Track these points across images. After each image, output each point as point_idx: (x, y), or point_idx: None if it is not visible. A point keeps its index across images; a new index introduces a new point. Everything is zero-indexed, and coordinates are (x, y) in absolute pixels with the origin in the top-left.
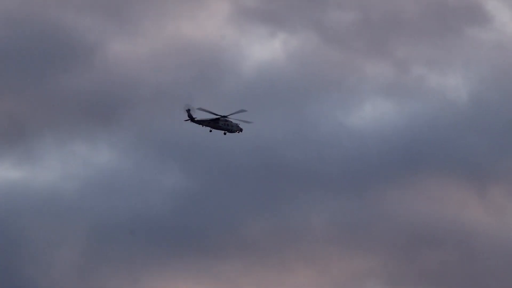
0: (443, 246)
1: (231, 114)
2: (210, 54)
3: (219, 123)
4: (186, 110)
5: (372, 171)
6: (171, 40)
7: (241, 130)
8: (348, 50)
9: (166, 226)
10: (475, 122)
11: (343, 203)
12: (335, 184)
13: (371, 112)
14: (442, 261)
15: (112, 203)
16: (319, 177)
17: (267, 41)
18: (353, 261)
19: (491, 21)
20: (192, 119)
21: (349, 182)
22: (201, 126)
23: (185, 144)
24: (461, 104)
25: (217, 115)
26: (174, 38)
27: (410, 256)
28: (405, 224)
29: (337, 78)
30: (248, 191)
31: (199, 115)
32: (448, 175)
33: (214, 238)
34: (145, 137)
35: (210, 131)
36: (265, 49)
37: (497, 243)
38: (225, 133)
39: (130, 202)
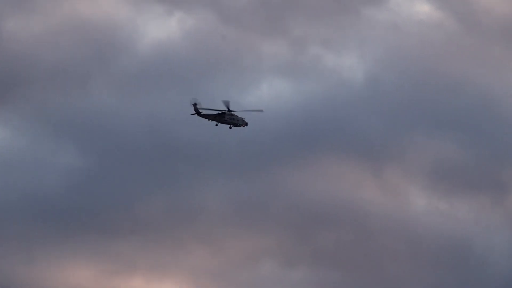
0: (339, 226)
1: (242, 111)
2: (106, 32)
3: (225, 117)
4: (193, 104)
5: (268, 150)
6: (67, 18)
7: (246, 124)
8: (244, 29)
9: (60, 205)
10: (371, 102)
11: (239, 182)
12: (231, 164)
13: (268, 91)
14: (338, 240)
15: (5, 181)
16: (215, 157)
17: (163, 20)
18: (248, 241)
19: (387, 1)
20: (198, 113)
21: (245, 161)
22: (207, 120)
23: (80, 123)
24: (357, 84)
25: (221, 110)
26: (70, 16)
27: (305, 236)
28: (301, 203)
29: (233, 57)
30: (144, 170)
31: (205, 110)
32: (344, 154)
33: (109, 217)
34: (41, 115)
35: (216, 125)
36: (161, 28)
37: (391, 223)
38: (230, 127)
39: (24, 181)
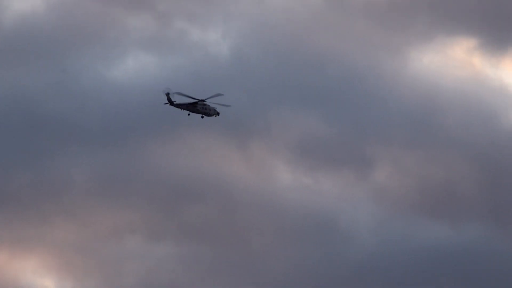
0: (205, 200)
1: (208, 98)
2: None
3: (197, 107)
4: (166, 94)
5: (134, 124)
6: None
7: (218, 114)
8: (109, 3)
9: None
10: (236, 77)
11: (105, 156)
12: (96, 137)
13: (133, 65)
14: (204, 215)
15: None
16: (80, 130)
17: None
18: (114, 215)
19: None
20: (171, 102)
21: (110, 134)
22: (180, 109)
23: None
24: (222, 58)
25: (195, 99)
26: None
27: (171, 210)
28: (166, 178)
29: (98, 31)
30: (7, 143)
31: (177, 99)
32: (208, 129)
33: None
34: None
35: (189, 114)
36: (24, 0)
37: (257, 197)
38: (202, 117)
39: None
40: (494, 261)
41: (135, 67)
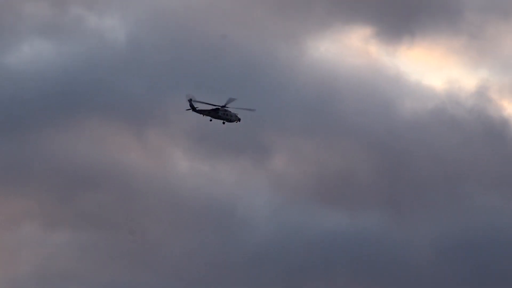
0: (102, 188)
1: (227, 103)
2: None
3: (219, 113)
4: (188, 100)
5: (30, 112)
6: None
7: (239, 119)
8: None
9: None
10: (133, 63)
11: (1, 143)
12: None
13: (29, 52)
14: (101, 202)
15: None
16: None
17: None
18: (10, 203)
19: None
20: (193, 108)
21: (5, 122)
22: (202, 115)
23: None
24: (119, 45)
25: (216, 105)
26: None
27: (68, 198)
28: (63, 165)
29: None
30: None
31: (200, 105)
32: (106, 116)
33: None
34: None
35: (210, 120)
36: None
37: (154, 185)
38: (224, 123)
39: None
40: (390, 248)
41: (31, 53)
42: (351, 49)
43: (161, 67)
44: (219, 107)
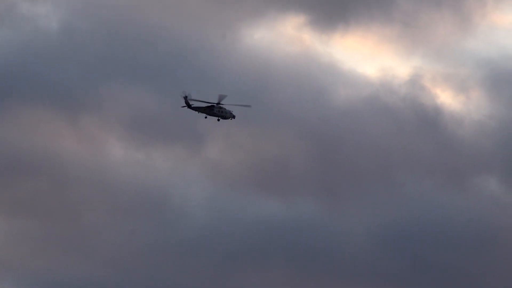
0: (36, 176)
1: (221, 100)
2: None
3: (214, 110)
4: (183, 97)
5: None
6: None
7: (234, 116)
8: None
9: None
10: (66, 51)
11: None
12: None
13: None
14: (35, 190)
15: None
16: None
17: None
18: None
19: None
20: (188, 105)
21: None
22: (197, 112)
23: None
24: (52, 32)
25: (211, 102)
26: None
27: (2, 185)
28: None
29: None
30: None
31: (195, 102)
32: (39, 104)
33: None
34: None
35: (205, 117)
36: None
37: (89, 173)
38: (218, 120)
39: None
40: (325, 235)
41: None
42: (285, 37)
43: (94, 55)
44: (214, 104)
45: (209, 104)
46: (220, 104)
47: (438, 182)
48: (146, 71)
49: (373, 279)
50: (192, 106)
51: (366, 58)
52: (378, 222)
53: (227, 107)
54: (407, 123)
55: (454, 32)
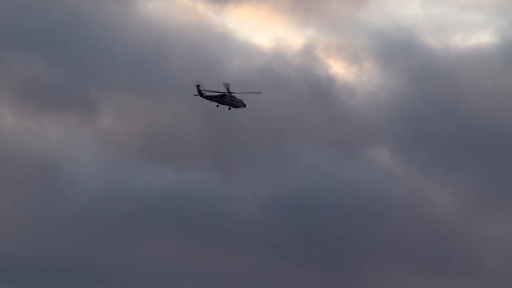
0: None
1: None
2: None
3: (226, 99)
4: (196, 86)
5: None
6: None
7: (244, 105)
8: None
9: None
10: None
11: None
12: None
13: None
14: None
15: None
16: None
17: None
18: None
19: None
20: (201, 94)
21: None
22: (208, 101)
23: None
24: None
25: (222, 92)
26: None
27: None
28: None
29: None
30: None
31: (207, 91)
32: None
33: None
34: None
35: (217, 106)
36: None
37: None
38: (229, 108)
39: None
40: (217, 205)
41: None
42: (178, 6)
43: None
44: (226, 93)
45: (221, 93)
46: (231, 93)
47: (330, 153)
48: (37, 39)
49: (264, 248)
50: (204, 94)
51: (259, 28)
52: (270, 192)
53: (237, 96)
54: (300, 93)
55: (347, 3)
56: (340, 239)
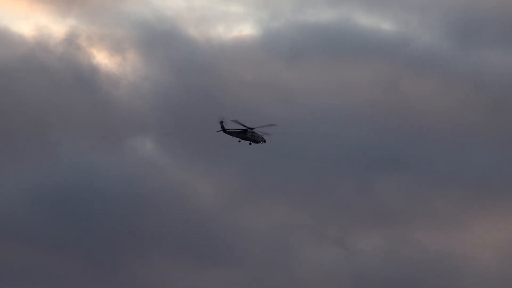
0: None
1: (258, 127)
2: None
3: (247, 134)
4: (220, 122)
5: None
6: None
7: (264, 141)
8: None
9: None
10: None
11: None
12: None
13: None
14: None
15: None
16: None
17: None
18: None
19: None
20: (224, 130)
21: None
22: (231, 136)
23: None
24: None
25: (245, 126)
26: None
27: None
28: None
29: None
30: None
31: (230, 127)
32: None
33: None
34: None
35: (239, 141)
36: None
37: None
38: (250, 144)
39: None
40: None
41: None
42: None
43: None
44: (247, 129)
45: (243, 129)
46: (252, 129)
47: (94, 143)
48: None
49: (26, 238)
50: (227, 131)
51: (20, 17)
52: (33, 181)
53: (254, 130)
54: (63, 82)
55: None
56: (103, 230)
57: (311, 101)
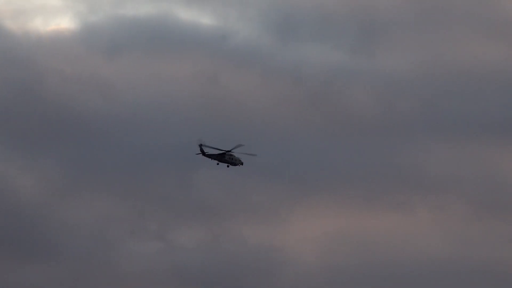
0: None
1: (233, 149)
2: None
3: (225, 157)
4: (199, 145)
5: None
6: None
7: (242, 163)
8: None
9: None
10: None
11: None
12: None
13: None
14: None
15: None
16: None
17: None
18: None
19: None
20: (203, 153)
21: None
22: (210, 159)
23: None
24: None
25: (222, 150)
26: None
27: None
28: None
29: None
30: None
31: (209, 150)
32: None
33: None
34: None
35: (217, 164)
36: None
37: None
38: (228, 166)
39: None
40: None
41: None
42: None
43: None
44: (225, 152)
45: (221, 152)
46: (230, 152)
47: None
48: None
49: None
50: (206, 153)
51: None
52: None
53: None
54: None
55: None
56: None
57: (130, 95)
